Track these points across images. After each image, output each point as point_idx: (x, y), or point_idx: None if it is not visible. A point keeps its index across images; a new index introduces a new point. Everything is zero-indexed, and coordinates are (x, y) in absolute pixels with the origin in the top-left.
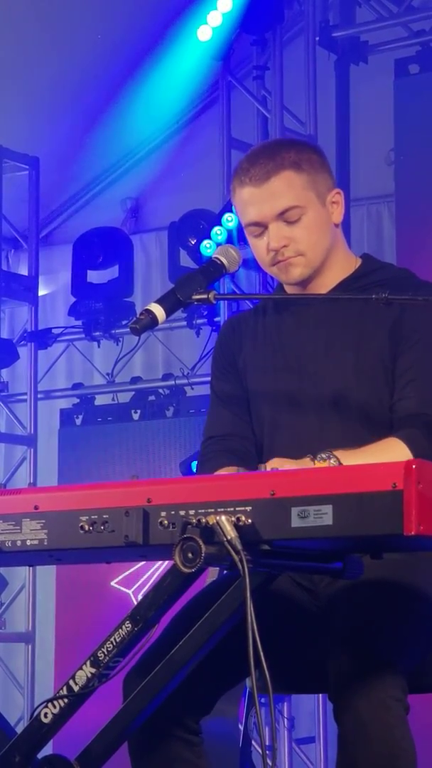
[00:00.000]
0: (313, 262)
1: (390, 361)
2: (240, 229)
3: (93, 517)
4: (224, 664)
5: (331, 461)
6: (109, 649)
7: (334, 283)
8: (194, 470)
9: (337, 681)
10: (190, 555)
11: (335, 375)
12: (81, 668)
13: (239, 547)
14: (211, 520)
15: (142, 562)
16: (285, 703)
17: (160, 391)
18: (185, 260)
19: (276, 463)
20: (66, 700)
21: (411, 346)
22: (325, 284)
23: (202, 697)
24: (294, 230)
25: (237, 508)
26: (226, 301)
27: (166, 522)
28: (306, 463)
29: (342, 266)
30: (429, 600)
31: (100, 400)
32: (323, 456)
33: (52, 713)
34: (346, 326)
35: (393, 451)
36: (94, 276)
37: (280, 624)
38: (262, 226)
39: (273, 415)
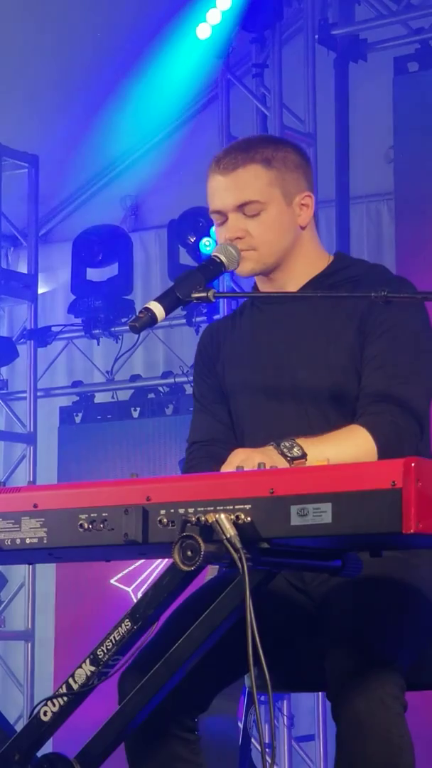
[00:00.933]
0: (264, 259)
1: (359, 353)
2: None
3: (92, 515)
4: (221, 662)
5: (295, 450)
6: (108, 647)
7: (303, 280)
8: None
9: (335, 679)
10: (189, 553)
11: (307, 368)
12: (80, 666)
13: (238, 545)
14: (211, 518)
15: (142, 560)
16: (285, 701)
17: (160, 388)
18: (185, 258)
19: (242, 461)
20: (65, 699)
21: (378, 336)
22: (292, 281)
23: (198, 695)
24: (251, 224)
25: (236, 507)
26: (225, 299)
27: (165, 520)
28: (269, 451)
29: (311, 263)
30: (426, 597)
31: (100, 397)
32: (286, 444)
33: (52, 711)
34: (316, 321)
35: (355, 438)
36: (93, 274)
37: (278, 622)
38: (223, 215)
39: (250, 411)
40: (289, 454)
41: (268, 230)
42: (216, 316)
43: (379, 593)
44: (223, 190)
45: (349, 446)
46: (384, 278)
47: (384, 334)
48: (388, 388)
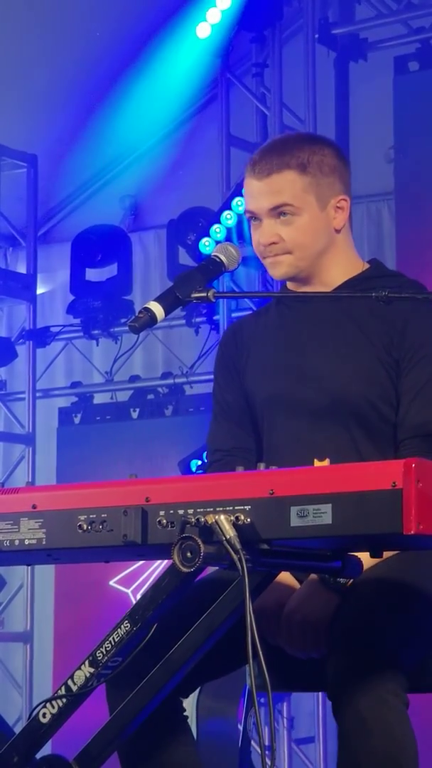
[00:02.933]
0: (299, 263)
1: (390, 366)
2: (239, 226)
3: (91, 516)
4: (217, 653)
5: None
6: (107, 648)
7: (336, 283)
8: (193, 469)
9: (335, 678)
10: (189, 554)
11: (333, 375)
12: (79, 668)
13: (238, 546)
14: (210, 519)
15: (141, 562)
16: (285, 703)
17: (159, 389)
18: (184, 258)
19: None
20: (64, 700)
21: (417, 362)
22: (326, 284)
23: (187, 681)
24: (284, 230)
25: (236, 507)
26: (225, 300)
27: (164, 521)
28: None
29: (345, 268)
30: (426, 596)
31: (99, 398)
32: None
33: (51, 713)
34: (347, 326)
35: None
36: (92, 274)
37: (279, 622)
38: (257, 219)
39: (270, 415)
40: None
41: (302, 235)
42: (216, 317)
43: (379, 593)
44: (258, 194)
45: None
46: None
47: (423, 359)
48: (427, 414)
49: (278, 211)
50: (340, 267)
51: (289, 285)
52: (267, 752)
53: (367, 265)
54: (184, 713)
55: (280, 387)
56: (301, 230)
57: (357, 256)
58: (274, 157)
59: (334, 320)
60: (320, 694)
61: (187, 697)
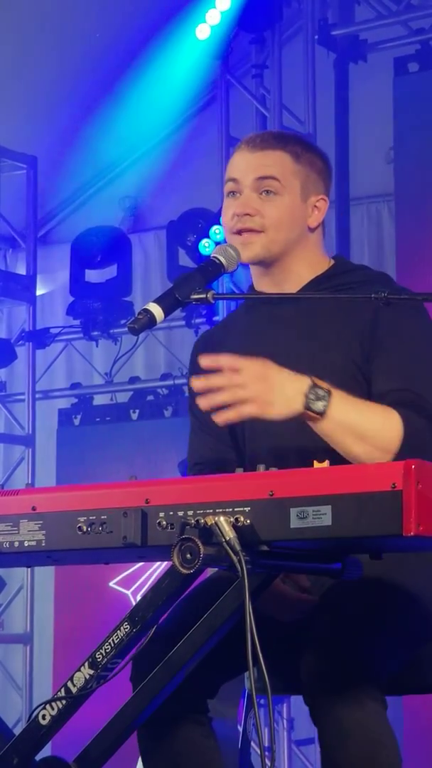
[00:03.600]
0: (270, 245)
1: (362, 361)
2: None
3: (91, 517)
4: (230, 651)
5: (318, 404)
6: (107, 650)
7: (302, 281)
8: None
9: (311, 682)
10: (188, 556)
11: (306, 372)
12: (79, 670)
13: (238, 547)
14: (210, 520)
15: (141, 563)
16: (284, 705)
17: (159, 390)
18: (184, 259)
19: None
20: (64, 702)
21: (386, 348)
22: (291, 281)
23: (208, 680)
24: (264, 205)
25: (236, 509)
26: (224, 301)
27: (164, 523)
28: (293, 389)
29: (312, 266)
30: (419, 598)
31: (99, 399)
32: (318, 392)
33: (51, 715)
34: (316, 326)
35: (388, 417)
36: (92, 275)
37: (279, 623)
38: (238, 188)
39: (250, 422)
40: (312, 407)
41: (281, 215)
42: (216, 318)
43: (353, 595)
44: (245, 162)
45: (377, 421)
46: (388, 287)
47: (391, 346)
48: (405, 379)
49: (263, 186)
50: (307, 264)
51: (257, 286)
52: (267, 753)
53: (332, 262)
54: (208, 714)
55: None
56: (280, 209)
57: (325, 255)
58: (271, 138)
59: (303, 322)
60: None
61: (212, 697)
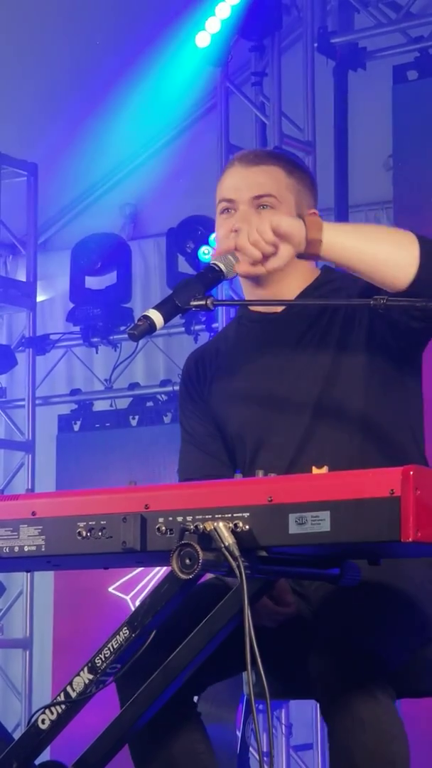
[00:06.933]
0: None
1: (369, 362)
2: None
3: (91, 523)
4: (224, 654)
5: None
6: (106, 655)
7: (294, 294)
8: None
9: (322, 678)
10: (187, 561)
11: (310, 385)
12: (78, 674)
13: (237, 553)
14: (209, 526)
15: (140, 568)
16: (283, 710)
17: (158, 397)
18: (183, 266)
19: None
20: (63, 707)
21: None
22: (285, 293)
23: (197, 680)
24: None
25: (235, 515)
26: (224, 307)
27: (163, 528)
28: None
29: (303, 277)
30: (418, 600)
31: (99, 406)
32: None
33: (50, 719)
34: (312, 335)
35: (404, 239)
36: (92, 282)
37: (277, 628)
38: (232, 207)
39: (254, 437)
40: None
41: None
42: (215, 325)
43: (368, 596)
44: (241, 180)
45: (393, 239)
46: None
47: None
48: None
49: (259, 203)
50: (299, 277)
51: (248, 298)
52: (265, 759)
53: (319, 271)
54: (197, 710)
55: (258, 407)
56: None
57: (314, 266)
58: (263, 154)
59: (297, 331)
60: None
61: (198, 694)
